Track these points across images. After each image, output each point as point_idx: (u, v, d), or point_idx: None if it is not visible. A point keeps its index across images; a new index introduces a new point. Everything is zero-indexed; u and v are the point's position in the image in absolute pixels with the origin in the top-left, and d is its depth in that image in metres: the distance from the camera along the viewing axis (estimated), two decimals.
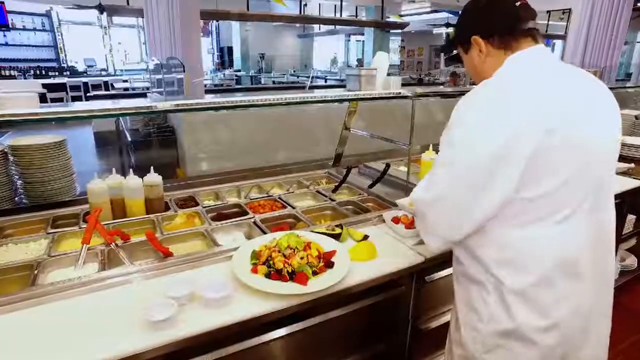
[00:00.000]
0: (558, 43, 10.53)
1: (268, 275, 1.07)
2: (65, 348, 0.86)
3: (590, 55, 4.74)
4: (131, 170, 1.50)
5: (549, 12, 8.25)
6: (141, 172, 1.54)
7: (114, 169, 1.52)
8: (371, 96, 1.59)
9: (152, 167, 1.56)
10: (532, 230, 0.84)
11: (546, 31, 8.76)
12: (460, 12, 1.05)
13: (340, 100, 1.79)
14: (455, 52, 1.07)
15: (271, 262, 1.09)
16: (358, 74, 1.66)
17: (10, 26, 8.33)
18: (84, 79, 8.28)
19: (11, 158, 1.60)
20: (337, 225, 1.34)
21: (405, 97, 1.66)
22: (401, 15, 9.84)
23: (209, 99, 1.26)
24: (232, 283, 1.06)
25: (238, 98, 1.27)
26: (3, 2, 7.82)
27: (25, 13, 8.64)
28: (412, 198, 0.99)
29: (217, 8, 6.43)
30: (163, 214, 1.51)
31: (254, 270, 1.09)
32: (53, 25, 9.00)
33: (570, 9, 7.65)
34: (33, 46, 8.76)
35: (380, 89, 1.66)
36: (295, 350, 1.14)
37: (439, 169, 0.90)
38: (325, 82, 8.54)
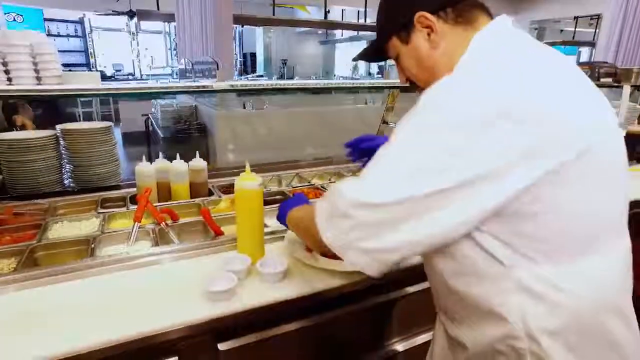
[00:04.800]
0: (584, 50, 10.31)
1: (324, 254, 1.05)
2: (127, 315, 0.87)
3: (621, 63, 4.61)
4: (178, 154, 1.52)
5: (576, 18, 8.11)
6: None
7: (160, 153, 1.54)
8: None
9: (197, 152, 1.57)
10: None
11: (573, 38, 8.60)
12: None
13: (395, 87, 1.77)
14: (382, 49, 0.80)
15: None
16: None
17: (47, 33, 8.72)
18: (113, 83, 8.55)
19: (62, 142, 1.65)
20: None
21: None
22: None
23: (262, 81, 1.27)
24: (287, 260, 1.05)
25: (289, 82, 1.28)
26: (42, 11, 8.20)
27: (60, 20, 9.03)
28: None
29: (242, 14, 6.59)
30: (207, 198, 1.52)
31: (308, 250, 1.08)
32: (85, 31, 9.36)
33: (599, 15, 7.51)
34: (66, 51, 9.11)
35: None
36: (355, 329, 1.12)
37: None
38: None
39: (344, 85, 1.34)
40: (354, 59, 0.97)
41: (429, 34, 0.70)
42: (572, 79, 0.64)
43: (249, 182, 0.97)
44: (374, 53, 0.85)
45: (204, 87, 1.16)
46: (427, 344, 1.32)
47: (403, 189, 0.58)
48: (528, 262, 0.58)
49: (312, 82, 1.26)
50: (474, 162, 0.55)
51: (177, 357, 0.91)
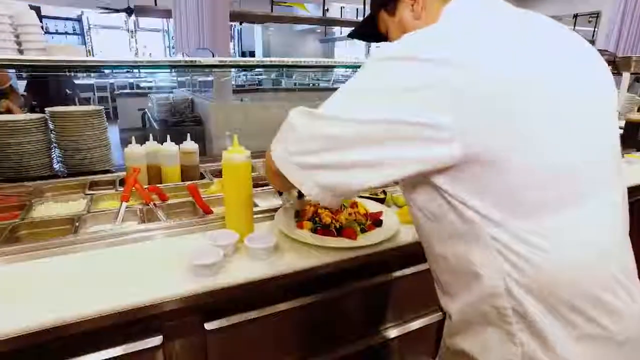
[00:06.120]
0: None
1: (314, 231, 1.02)
2: (108, 290, 0.83)
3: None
4: (168, 136, 1.49)
5: (575, 16, 8.08)
6: None
7: (150, 135, 1.51)
8: None
9: (188, 135, 1.54)
10: None
11: None
12: None
13: None
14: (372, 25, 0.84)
15: (317, 218, 1.04)
16: None
17: (45, 31, 8.69)
18: (111, 80, 8.51)
19: (51, 126, 1.61)
20: (380, 191, 1.29)
21: None
22: None
23: (251, 59, 1.24)
24: (277, 238, 1.01)
25: (280, 58, 1.25)
26: (39, 8, 8.16)
27: (59, 18, 9.01)
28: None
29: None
30: (199, 181, 1.49)
31: (300, 226, 1.05)
32: (83, 29, 9.34)
33: (599, 13, 7.49)
34: None
35: None
36: (348, 311, 1.09)
37: None
38: None
39: (340, 63, 1.31)
40: (349, 35, 0.98)
41: (412, 5, 0.73)
42: (541, 39, 0.63)
43: (236, 155, 0.93)
44: (367, 28, 0.88)
45: (192, 61, 1.12)
46: (421, 330, 1.29)
47: (349, 109, 0.60)
48: (500, 219, 0.57)
49: (305, 60, 1.23)
50: (410, 105, 0.56)
51: (161, 336, 0.87)
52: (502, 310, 0.59)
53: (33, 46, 1.07)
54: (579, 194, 0.59)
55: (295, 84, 8.38)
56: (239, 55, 10.92)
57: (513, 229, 0.57)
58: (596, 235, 0.60)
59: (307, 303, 1.02)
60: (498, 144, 0.55)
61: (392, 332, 1.25)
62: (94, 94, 8.30)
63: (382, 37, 0.85)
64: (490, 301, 0.60)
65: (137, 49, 9.81)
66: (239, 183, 0.96)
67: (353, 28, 0.96)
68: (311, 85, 8.45)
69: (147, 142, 1.49)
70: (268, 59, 1.22)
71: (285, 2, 9.22)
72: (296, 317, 1.03)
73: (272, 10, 7.01)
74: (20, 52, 1.07)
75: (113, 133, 1.69)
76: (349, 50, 12.19)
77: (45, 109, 1.62)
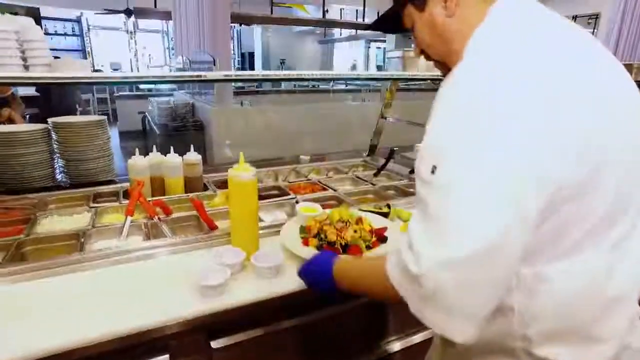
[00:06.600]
0: None
1: (320, 248, 1.02)
2: (114, 311, 0.83)
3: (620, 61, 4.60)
4: (172, 147, 1.49)
5: (575, 17, 8.08)
6: None
7: (154, 146, 1.51)
8: (415, 76, 1.54)
9: (192, 146, 1.54)
10: None
11: None
12: None
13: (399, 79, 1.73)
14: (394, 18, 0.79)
15: (322, 235, 1.04)
16: (401, 56, 1.62)
17: (44, 32, 8.64)
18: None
19: (54, 136, 1.61)
20: (384, 205, 1.29)
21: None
22: None
23: (256, 72, 1.23)
24: (283, 255, 1.01)
25: (284, 72, 1.25)
26: (38, 9, 8.12)
27: (58, 19, 8.97)
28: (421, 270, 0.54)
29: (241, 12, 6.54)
30: (202, 193, 1.49)
31: (305, 243, 1.05)
32: (82, 30, 9.30)
33: (598, 14, 7.49)
34: (63, 50, 9.04)
35: (424, 71, 1.62)
36: (352, 326, 1.09)
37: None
38: (346, 86, 8.55)
39: (339, 76, 1.31)
40: (370, 27, 0.95)
41: (445, 1, 0.66)
42: (594, 59, 0.62)
43: (243, 173, 0.93)
44: (390, 21, 0.82)
45: (197, 76, 1.12)
46: (424, 344, 1.29)
47: (499, 215, 0.50)
48: (532, 259, 0.55)
49: (307, 72, 1.23)
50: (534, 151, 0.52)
51: (168, 355, 0.87)
52: (512, 348, 0.59)
53: (39, 62, 1.07)
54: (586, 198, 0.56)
55: (295, 86, 8.38)
56: (238, 57, 10.90)
57: (539, 269, 0.55)
58: (624, 270, 0.58)
59: (312, 320, 1.02)
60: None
61: (395, 346, 1.25)
62: (93, 95, 8.27)
63: (407, 29, 0.78)
64: (503, 339, 0.59)
65: (136, 50, 9.77)
66: (245, 202, 0.96)
67: (353, 30, 0.93)
68: (310, 87, 8.44)
69: (150, 154, 1.48)
70: (273, 72, 1.22)
71: (284, 3, 9.20)
72: (302, 333, 1.03)
73: (272, 12, 6.99)
74: (26, 67, 1.07)
75: (112, 136, 1.70)
76: (348, 51, 12.19)
77: (48, 119, 1.62)
